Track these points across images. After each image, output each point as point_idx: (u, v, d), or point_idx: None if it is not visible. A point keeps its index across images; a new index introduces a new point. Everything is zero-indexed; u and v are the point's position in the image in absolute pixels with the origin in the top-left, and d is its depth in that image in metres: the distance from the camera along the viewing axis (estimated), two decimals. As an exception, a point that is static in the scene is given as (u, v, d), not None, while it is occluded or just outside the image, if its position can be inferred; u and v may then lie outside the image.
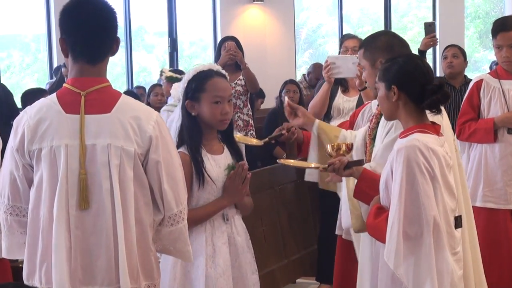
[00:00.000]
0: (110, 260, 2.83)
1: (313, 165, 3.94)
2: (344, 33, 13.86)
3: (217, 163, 3.55)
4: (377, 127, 3.80)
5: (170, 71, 6.99)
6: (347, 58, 5.42)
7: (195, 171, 3.48)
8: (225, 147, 3.64)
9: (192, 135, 3.52)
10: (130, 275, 2.83)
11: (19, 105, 7.05)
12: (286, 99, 4.49)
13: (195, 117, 3.54)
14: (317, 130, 4.15)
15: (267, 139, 4.11)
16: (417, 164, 3.09)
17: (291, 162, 4.04)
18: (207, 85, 3.52)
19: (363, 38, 5.96)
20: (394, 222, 3.08)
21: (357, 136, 4.02)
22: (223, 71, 3.62)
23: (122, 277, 2.81)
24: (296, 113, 4.21)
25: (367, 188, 3.50)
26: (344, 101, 5.77)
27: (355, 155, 3.92)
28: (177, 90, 3.82)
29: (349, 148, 3.74)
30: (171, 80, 6.58)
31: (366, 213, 3.53)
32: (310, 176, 4.27)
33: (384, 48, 3.76)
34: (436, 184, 3.11)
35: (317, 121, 4.21)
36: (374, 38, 3.89)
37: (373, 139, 3.82)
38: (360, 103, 5.34)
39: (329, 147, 3.73)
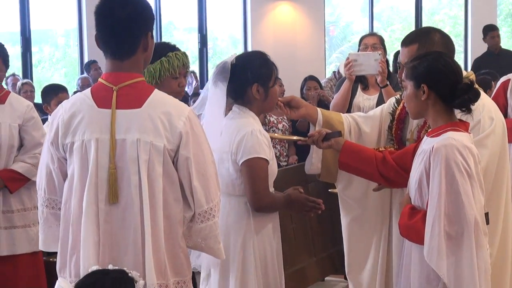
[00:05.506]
0: (138, 255, 2.82)
1: (295, 138, 4.08)
2: (374, 30, 13.85)
3: None
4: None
5: None
6: (369, 55, 5.34)
7: None
8: None
9: None
10: (157, 271, 2.83)
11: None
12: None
13: None
14: (322, 117, 3.87)
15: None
16: (456, 163, 3.05)
17: (276, 135, 4.13)
18: None
19: (392, 36, 5.94)
20: (434, 222, 3.05)
21: (373, 115, 3.97)
22: None
23: (147, 272, 2.81)
24: (290, 105, 3.83)
25: (349, 160, 3.61)
26: (364, 99, 5.72)
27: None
28: None
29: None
30: None
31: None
32: (312, 170, 4.05)
33: (441, 43, 3.58)
34: (473, 182, 3.08)
35: (318, 109, 3.93)
36: (427, 33, 3.66)
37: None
38: (380, 101, 5.28)
39: None
